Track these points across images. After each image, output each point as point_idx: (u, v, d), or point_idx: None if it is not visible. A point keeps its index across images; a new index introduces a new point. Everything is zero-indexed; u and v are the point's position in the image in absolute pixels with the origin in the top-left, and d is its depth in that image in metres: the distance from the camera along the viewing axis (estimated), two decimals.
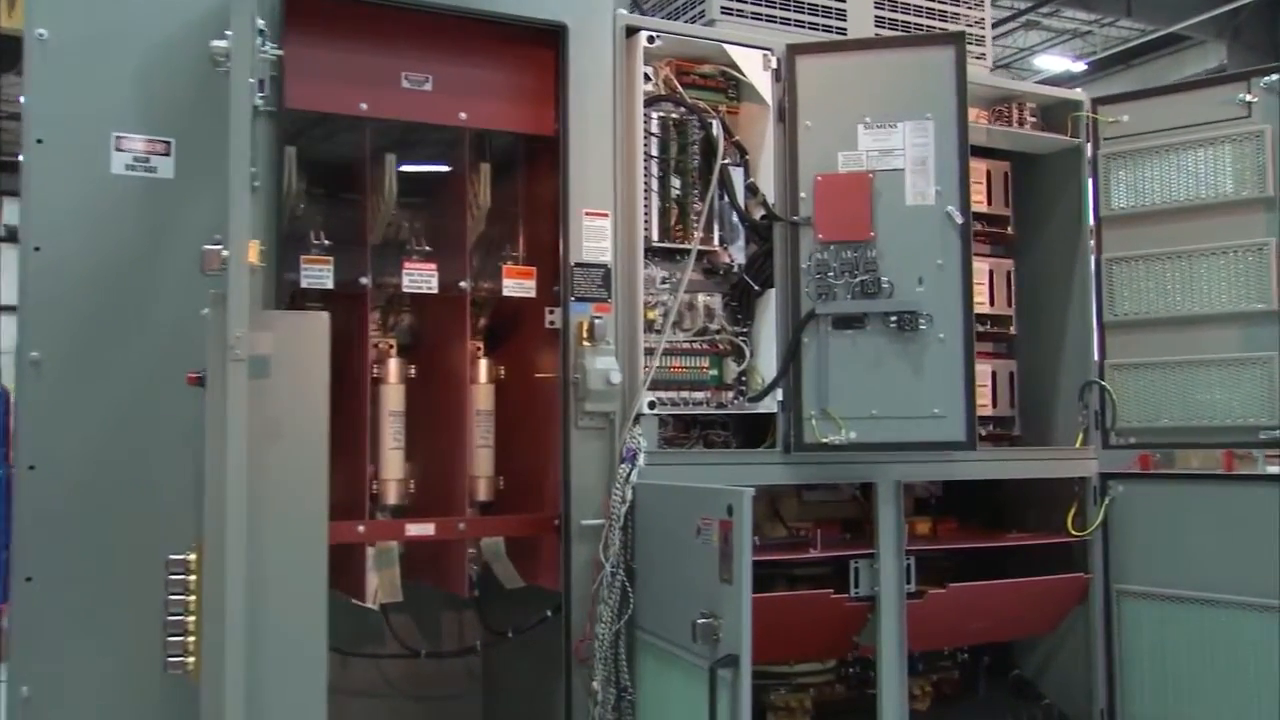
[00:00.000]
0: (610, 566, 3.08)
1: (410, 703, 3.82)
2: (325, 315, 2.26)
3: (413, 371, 3.40)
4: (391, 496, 3.34)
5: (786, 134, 3.47)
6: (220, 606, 1.99)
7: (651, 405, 3.28)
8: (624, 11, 3.41)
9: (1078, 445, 4.00)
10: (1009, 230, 4.25)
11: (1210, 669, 3.65)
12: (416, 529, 3.13)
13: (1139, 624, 3.83)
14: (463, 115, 3.20)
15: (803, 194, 3.44)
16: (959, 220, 3.34)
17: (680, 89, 3.45)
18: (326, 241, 3.18)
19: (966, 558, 4.10)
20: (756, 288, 3.49)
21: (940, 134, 3.38)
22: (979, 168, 4.18)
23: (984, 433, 4.13)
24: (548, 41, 3.22)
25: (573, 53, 3.22)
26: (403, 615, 3.72)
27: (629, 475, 3.12)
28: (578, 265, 3.21)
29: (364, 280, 3.14)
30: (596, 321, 3.14)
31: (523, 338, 3.47)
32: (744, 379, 3.51)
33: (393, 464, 3.34)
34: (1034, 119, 4.09)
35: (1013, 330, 4.25)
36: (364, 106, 3.09)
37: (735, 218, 3.48)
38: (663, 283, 3.36)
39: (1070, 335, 4.08)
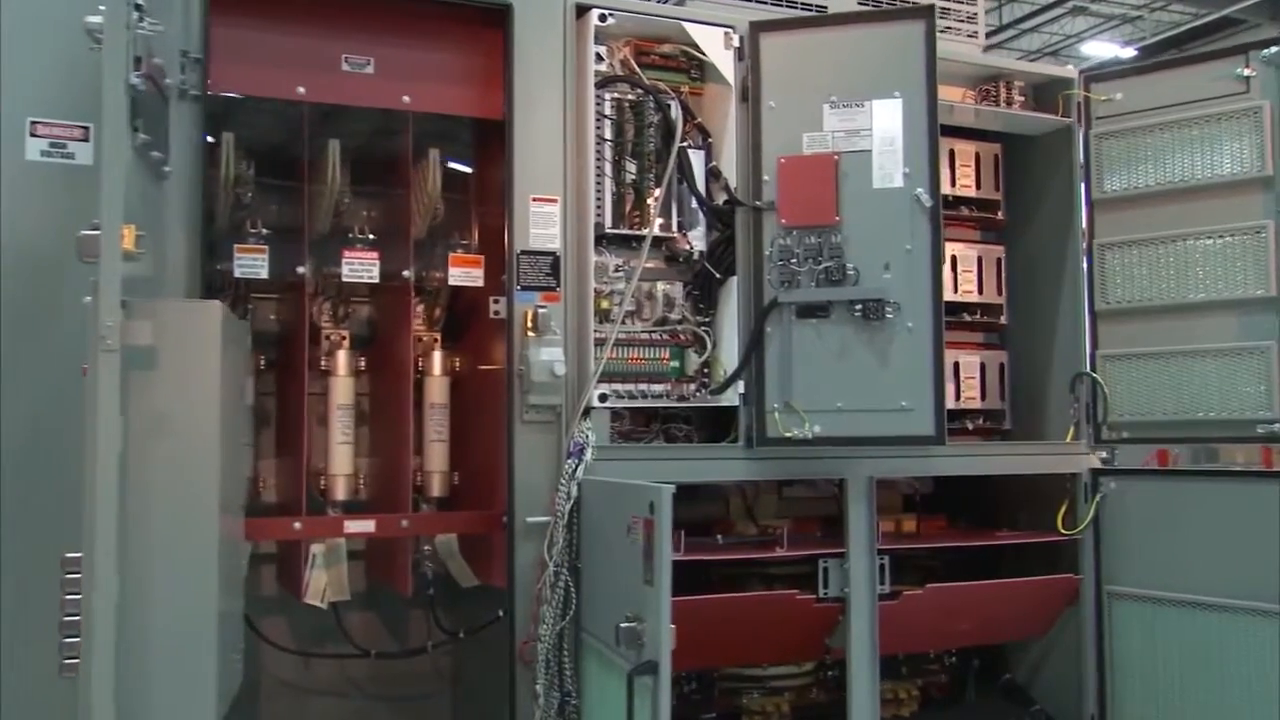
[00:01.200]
0: (554, 565, 2.96)
1: (378, 703, 3.73)
2: (217, 304, 2.16)
3: (363, 363, 3.30)
4: (340, 492, 3.25)
5: (749, 115, 3.33)
6: (89, 606, 1.90)
7: (603, 398, 3.16)
8: None
9: (1068, 440, 3.81)
10: (999, 215, 4.07)
11: (1204, 676, 3.45)
12: (356, 526, 3.04)
13: (1130, 627, 3.64)
14: (406, 99, 3.10)
15: (766, 177, 3.30)
16: (927, 203, 3.18)
17: (637, 69, 3.32)
18: (265, 230, 3.09)
19: (955, 558, 3.94)
20: (718, 275, 3.35)
21: (910, 113, 3.22)
22: (967, 150, 4.02)
23: (971, 426, 3.97)
24: (494, 22, 3.11)
25: (519, 33, 3.10)
26: (369, 613, 3.64)
27: (575, 471, 3.00)
28: (524, 253, 3.09)
29: (301, 270, 3.04)
30: (541, 311, 3.02)
31: (479, 329, 3.36)
32: (707, 371, 3.38)
33: (341, 459, 3.25)
34: (1023, 98, 3.91)
35: (1003, 320, 4.07)
36: (301, 90, 3.00)
37: (694, 203, 3.34)
38: (616, 271, 3.23)
39: (1062, 325, 3.90)
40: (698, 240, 3.36)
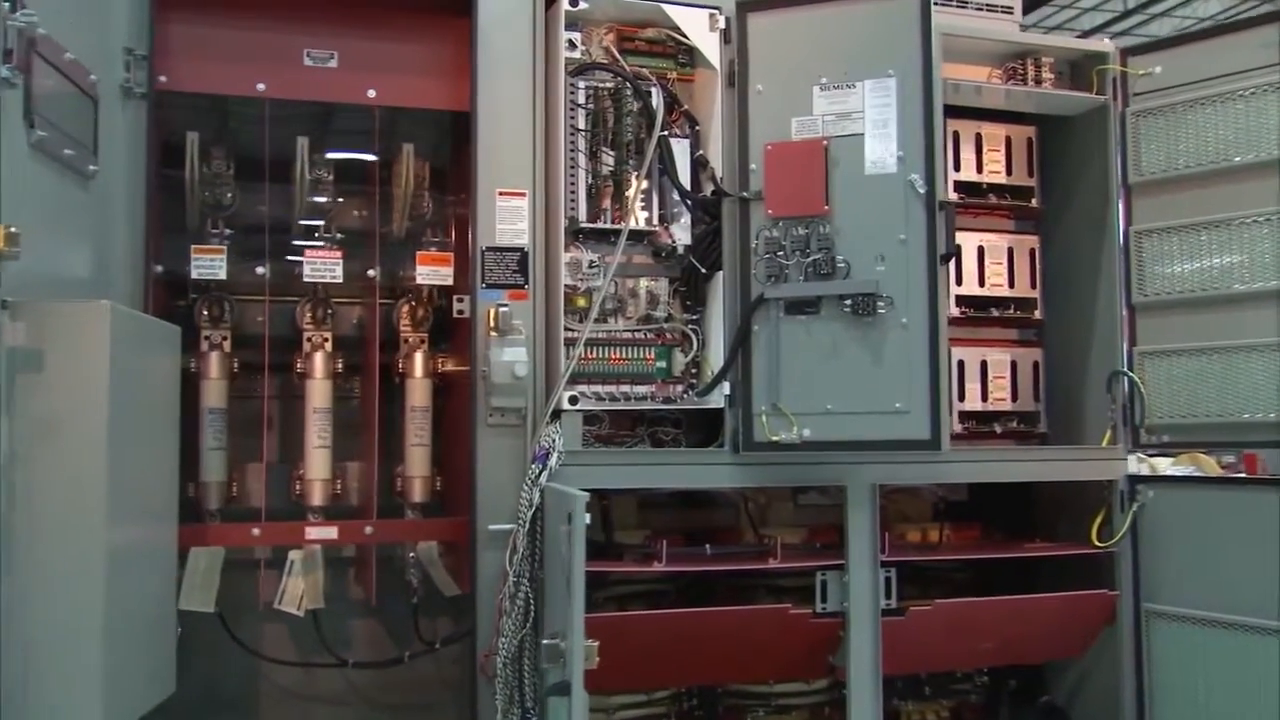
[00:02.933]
0: (514, 575, 2.83)
1: (384, 713, 3.65)
2: (106, 305, 2.08)
3: (340, 366, 3.22)
4: (317, 498, 3.17)
5: (736, 100, 3.14)
6: None
7: (573, 400, 3.01)
8: None
9: (1104, 444, 3.51)
10: (1033, 203, 3.79)
11: (1253, 706, 3.12)
12: (318, 533, 2.96)
13: (1170, 650, 3.33)
14: (371, 93, 3.01)
15: (754, 166, 3.10)
16: (921, 189, 2.94)
17: (618, 56, 3.16)
18: (229, 231, 3.03)
19: (988, 571, 3.68)
20: (703, 270, 3.17)
21: (904, 93, 2.99)
22: (996, 133, 3.75)
23: (1000, 429, 3.70)
24: (463, 10, 2.98)
25: (485, 21, 2.99)
26: (372, 620, 3.56)
27: (538, 476, 2.86)
28: (489, 249, 2.97)
29: (260, 270, 2.97)
30: (502, 310, 2.89)
31: (463, 330, 3.24)
32: (695, 372, 3.20)
33: (317, 463, 3.18)
34: (1054, 76, 3.62)
35: (1037, 314, 3.78)
36: (262, 87, 2.94)
37: (677, 194, 3.17)
38: (591, 267, 3.08)
39: (1100, 319, 3.60)
40: (683, 234, 3.18)
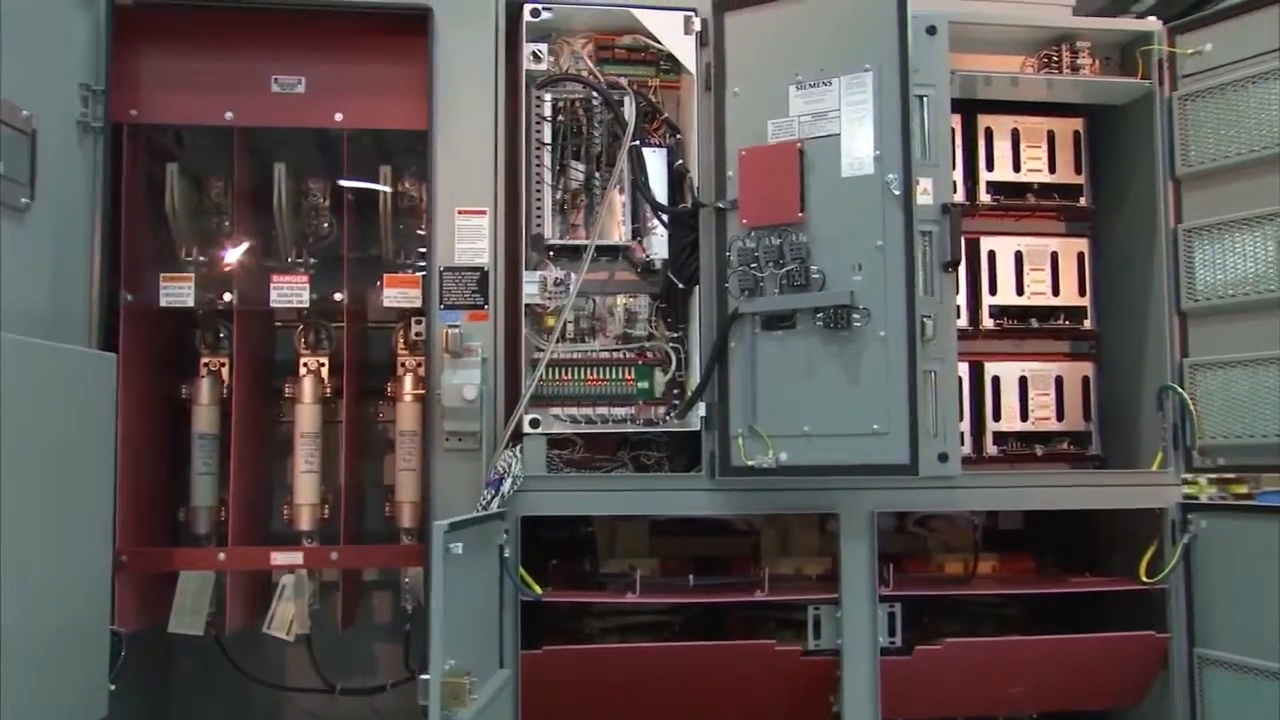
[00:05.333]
0: None
1: None
2: None
3: (328, 390, 3.22)
4: (304, 522, 3.17)
5: (713, 104, 2.97)
6: None
7: (534, 423, 2.90)
8: None
9: (1154, 467, 3.14)
10: (1082, 202, 3.44)
11: None
12: (284, 558, 2.95)
13: (1224, 702, 2.93)
14: (338, 116, 2.99)
15: (730, 173, 2.93)
16: (896, 191, 2.70)
17: (593, 67, 3.05)
18: (201, 258, 3.07)
19: (1039, 607, 3.36)
20: (681, 285, 3.01)
21: (881, 87, 2.76)
22: (1036, 128, 3.44)
23: (1041, 451, 3.36)
24: (419, 27, 2.94)
25: (443, 36, 2.94)
26: (394, 644, 3.55)
27: (489, 503, 2.76)
28: (447, 270, 2.90)
29: (228, 297, 3.00)
30: (451, 331, 2.81)
31: None
32: (678, 392, 3.04)
33: (305, 488, 3.18)
34: (1093, 61, 3.29)
35: (1087, 324, 3.42)
36: (230, 115, 2.97)
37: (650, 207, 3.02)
38: (557, 284, 2.96)
39: (1152, 328, 3.22)
40: (659, 248, 3.02)
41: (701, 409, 2.93)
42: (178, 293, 2.97)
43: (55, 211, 2.63)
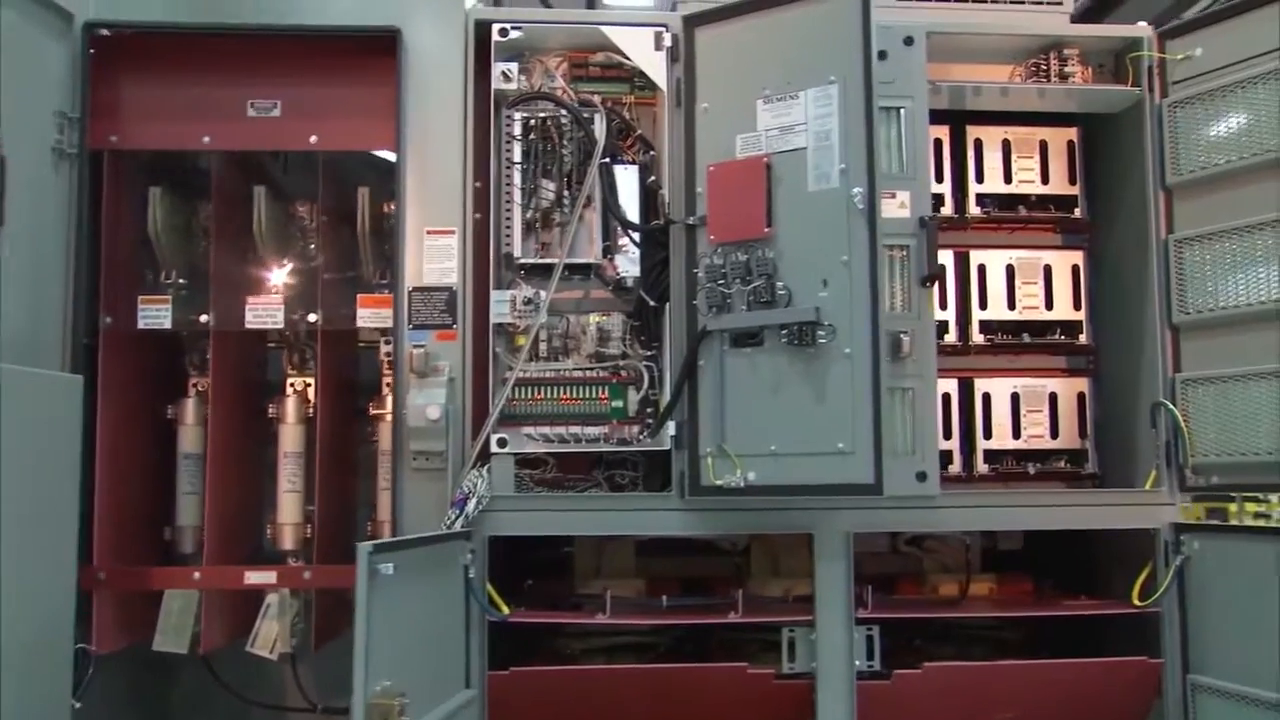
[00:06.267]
0: None
1: None
2: None
3: (312, 410, 3.24)
4: (288, 542, 3.19)
5: (683, 120, 2.95)
6: None
7: (502, 442, 2.89)
8: (479, 4, 3.08)
9: (1147, 486, 3.04)
10: (1076, 214, 3.35)
11: None
12: (257, 577, 2.97)
13: None
14: (313, 139, 3.02)
15: (700, 189, 2.90)
16: (860, 205, 2.65)
17: (565, 86, 3.04)
18: (181, 281, 3.11)
19: (1038, 630, 3.27)
20: (652, 303, 2.98)
21: (847, 100, 2.71)
22: (1028, 138, 3.36)
23: (1034, 470, 3.28)
24: (389, 49, 2.96)
25: (413, 57, 2.95)
26: None
27: (453, 522, 2.75)
28: (416, 290, 2.90)
29: (205, 318, 3.03)
30: (416, 351, 2.82)
31: None
32: (651, 410, 3.00)
33: (288, 508, 3.20)
34: (1084, 68, 3.20)
35: (1083, 339, 3.33)
36: (207, 140, 3.01)
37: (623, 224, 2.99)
38: (527, 303, 2.95)
39: (1148, 343, 3.12)
40: (631, 266, 3.00)
41: (671, 428, 2.90)
42: (154, 315, 3.00)
43: (29, 236, 2.70)
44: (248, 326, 3.04)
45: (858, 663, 2.88)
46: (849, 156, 2.69)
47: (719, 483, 2.80)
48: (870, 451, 2.61)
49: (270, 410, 3.25)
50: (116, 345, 2.96)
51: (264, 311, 3.04)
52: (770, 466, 2.75)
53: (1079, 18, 3.39)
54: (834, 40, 2.73)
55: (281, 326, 3.06)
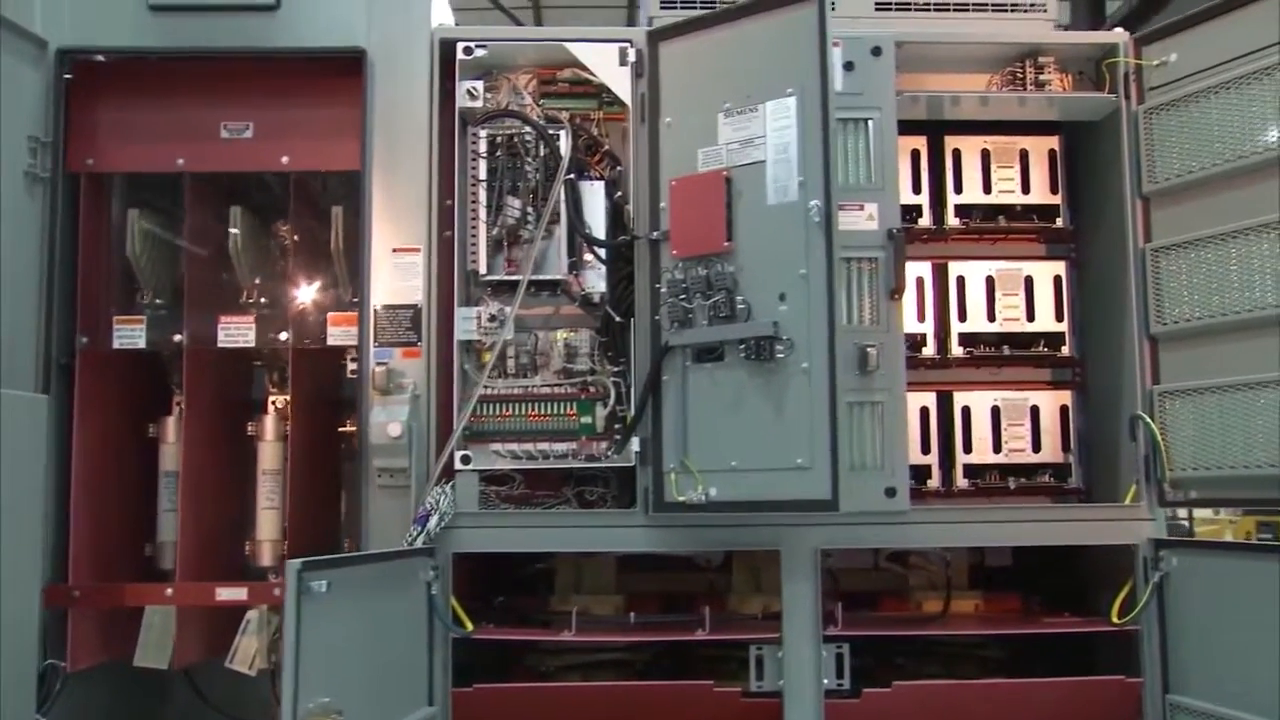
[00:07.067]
0: None
1: None
2: None
3: (288, 428, 3.27)
4: (266, 558, 3.22)
5: (648, 135, 2.94)
6: None
7: (466, 459, 2.90)
8: (447, 23, 3.10)
9: (1127, 501, 2.97)
10: (1059, 223, 3.29)
11: None
12: (229, 594, 2.99)
13: None
14: (285, 159, 3.05)
15: (663, 204, 2.89)
16: (816, 218, 2.62)
17: (531, 101, 3.05)
18: (159, 301, 3.16)
19: (1024, 649, 3.20)
20: (618, 319, 2.97)
21: (805, 112, 2.69)
22: (1009, 148, 3.32)
23: (1014, 486, 3.22)
24: (356, 70, 2.99)
25: (380, 78, 2.98)
26: None
27: (415, 539, 2.76)
28: (383, 308, 2.92)
29: (178, 338, 3.07)
30: (379, 369, 2.83)
31: None
32: (619, 426, 2.99)
33: (267, 524, 3.23)
34: (1060, 75, 3.16)
35: (1066, 351, 3.26)
36: (181, 162, 3.06)
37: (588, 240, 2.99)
38: (492, 320, 2.95)
39: (1128, 355, 3.05)
40: (597, 282, 2.99)
41: (636, 444, 2.89)
42: (129, 335, 3.05)
43: (2, 259, 2.75)
44: (220, 345, 3.07)
45: (826, 681, 2.84)
46: (807, 169, 2.67)
47: (681, 499, 2.78)
48: (828, 467, 2.58)
49: (250, 428, 3.28)
50: (94, 365, 3.01)
51: (236, 330, 3.08)
52: (731, 482, 2.73)
53: (1119, 21, 3.33)
54: (791, 52, 2.71)
55: (253, 345, 3.09)
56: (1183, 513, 9.18)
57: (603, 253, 2.98)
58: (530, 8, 11.51)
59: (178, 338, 3.08)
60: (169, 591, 3.00)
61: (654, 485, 2.85)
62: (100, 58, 3.00)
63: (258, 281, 3.23)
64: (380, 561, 2.54)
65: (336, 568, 2.23)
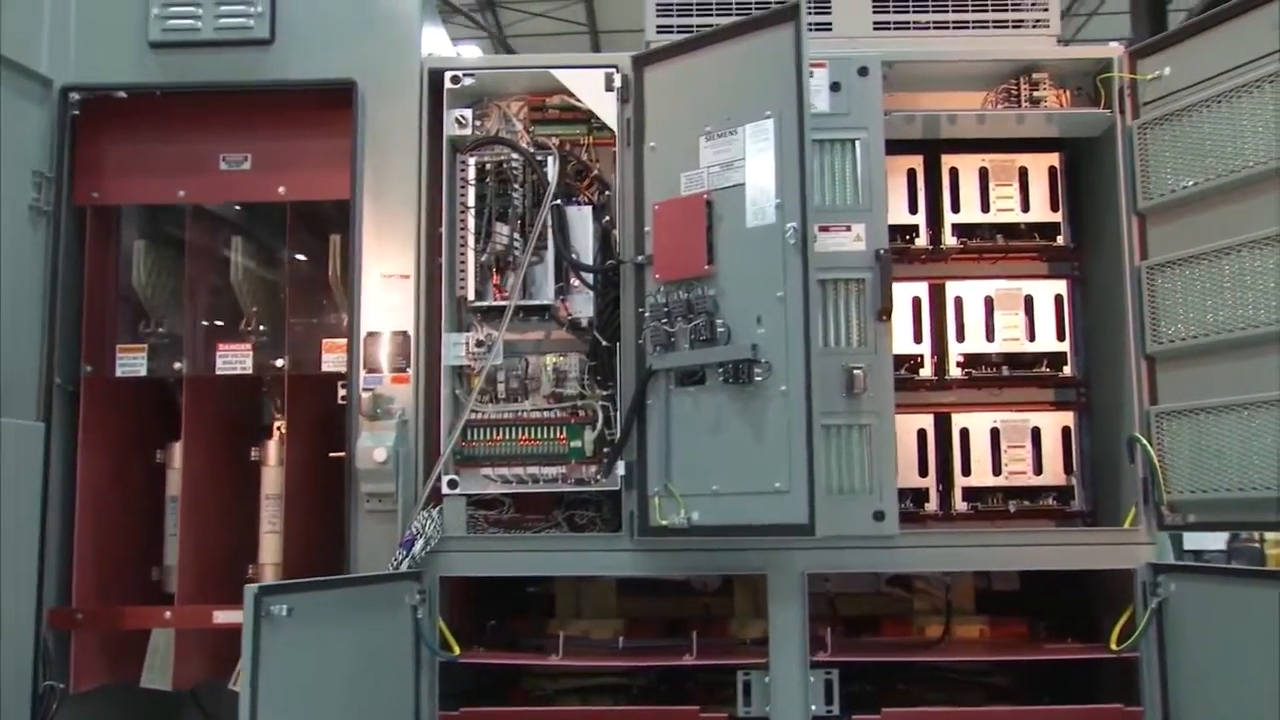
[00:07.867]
0: None
1: None
2: None
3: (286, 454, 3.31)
4: (268, 580, 3.26)
5: (633, 159, 2.96)
6: None
7: (453, 484, 2.92)
8: (442, 52, 3.15)
9: (1126, 524, 2.90)
10: (1059, 241, 3.23)
11: None
12: (225, 616, 3.04)
13: None
14: (281, 189, 3.11)
15: (648, 228, 2.90)
16: (792, 240, 2.61)
17: (521, 127, 3.08)
18: (160, 329, 3.23)
19: (1031, 676, 3.14)
20: (604, 343, 2.98)
21: (783, 133, 2.68)
22: (1007, 165, 3.27)
23: (1013, 509, 3.17)
24: (348, 101, 3.04)
25: (370, 108, 3.03)
26: None
27: (400, 564, 2.79)
28: (371, 334, 2.96)
29: (178, 365, 3.13)
30: (365, 394, 2.87)
31: None
32: (607, 449, 2.99)
33: (269, 549, 3.27)
34: (1056, 91, 3.11)
35: (1067, 370, 3.20)
36: (182, 194, 3.13)
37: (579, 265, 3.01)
38: (479, 345, 2.98)
39: (1126, 375, 2.98)
40: (582, 306, 3.01)
41: (622, 468, 2.89)
42: (131, 363, 3.13)
43: (6, 291, 2.84)
44: (219, 373, 3.13)
45: (814, 707, 2.80)
46: (784, 191, 2.66)
47: (664, 523, 2.77)
48: (805, 491, 2.56)
49: (254, 454, 3.34)
50: (98, 392, 3.09)
51: (234, 358, 3.14)
52: (712, 506, 2.72)
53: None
54: (769, 74, 2.71)
55: (250, 372, 3.14)
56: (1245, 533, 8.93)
57: (589, 278, 3.00)
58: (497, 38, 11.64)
59: (178, 365, 3.15)
60: (168, 614, 3.06)
61: (639, 509, 2.85)
62: (104, 94, 3.09)
63: (255, 309, 3.29)
64: (353, 586, 2.57)
65: (300, 592, 2.26)
